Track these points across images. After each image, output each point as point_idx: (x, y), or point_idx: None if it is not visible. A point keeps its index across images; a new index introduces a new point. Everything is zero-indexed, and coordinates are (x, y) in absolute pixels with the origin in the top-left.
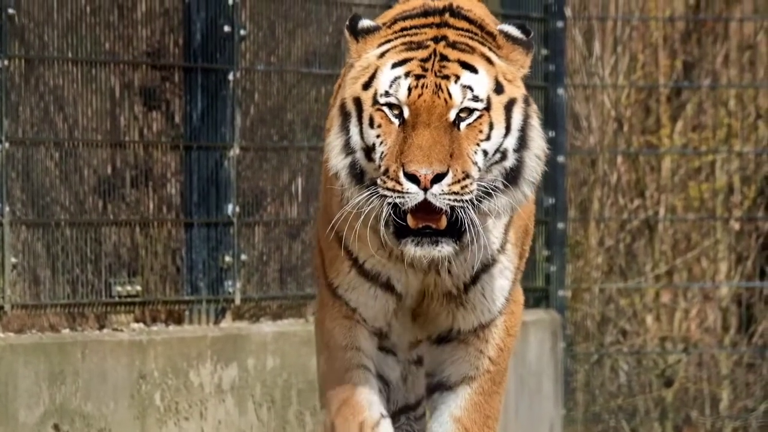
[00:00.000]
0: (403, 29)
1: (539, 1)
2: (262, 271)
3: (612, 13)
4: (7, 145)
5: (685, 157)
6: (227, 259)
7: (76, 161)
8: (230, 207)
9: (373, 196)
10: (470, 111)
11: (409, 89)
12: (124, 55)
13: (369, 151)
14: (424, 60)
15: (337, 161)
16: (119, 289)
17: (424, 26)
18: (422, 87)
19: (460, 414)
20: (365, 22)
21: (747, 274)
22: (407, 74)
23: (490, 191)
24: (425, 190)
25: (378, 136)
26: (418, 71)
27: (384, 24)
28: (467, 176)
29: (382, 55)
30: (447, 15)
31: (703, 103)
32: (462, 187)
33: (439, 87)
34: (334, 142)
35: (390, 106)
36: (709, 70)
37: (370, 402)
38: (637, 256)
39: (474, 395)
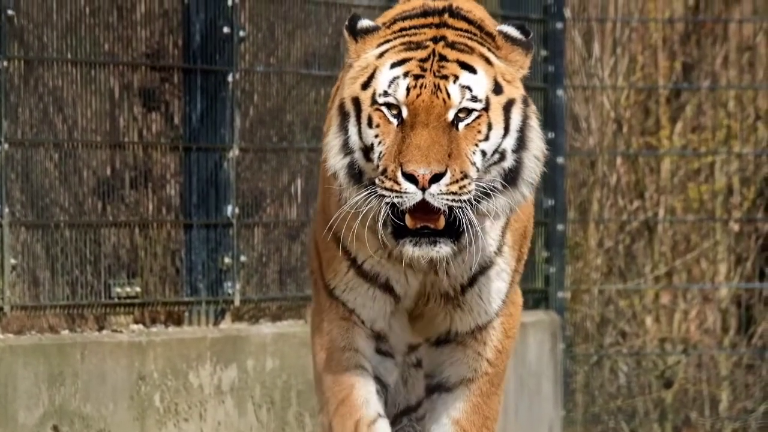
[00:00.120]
0: (402, 29)
1: (539, 3)
2: (261, 273)
3: (611, 15)
4: (6, 146)
5: (684, 159)
6: (227, 260)
7: (75, 162)
8: (230, 208)
9: (371, 196)
10: (469, 111)
11: (408, 89)
12: (124, 57)
13: (367, 151)
14: (423, 60)
15: (335, 161)
16: (119, 290)
17: (423, 26)
18: (421, 87)
19: (458, 416)
20: (364, 22)
21: (746, 275)
22: (406, 74)
23: (489, 192)
24: (423, 190)
25: (376, 136)
26: (417, 71)
27: (383, 24)
28: (465, 176)
29: (381, 55)
30: (446, 15)
31: (703, 105)
32: (460, 188)
33: (437, 87)
34: (332, 142)
35: (388, 105)
36: (708, 72)
37: (366, 400)
38: (636, 258)
39: (472, 397)
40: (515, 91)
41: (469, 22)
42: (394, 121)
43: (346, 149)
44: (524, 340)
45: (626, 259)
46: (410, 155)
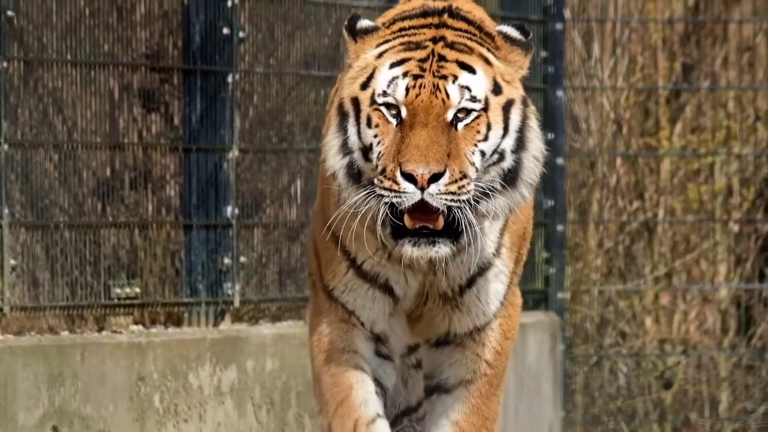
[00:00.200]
0: (401, 29)
1: (538, 3)
2: (261, 273)
3: (611, 15)
4: (6, 147)
5: (684, 159)
6: (226, 261)
7: (75, 163)
8: (229, 209)
9: (370, 195)
10: (468, 111)
11: (407, 89)
12: (123, 57)
13: (366, 151)
14: (422, 60)
15: (334, 161)
16: (118, 291)
17: (422, 27)
18: (420, 87)
19: (457, 417)
20: (364, 23)
21: (746, 276)
22: (405, 74)
23: (488, 192)
24: (422, 189)
25: (375, 136)
26: (416, 71)
27: (383, 24)
28: (464, 176)
29: (380, 55)
30: (446, 16)
31: (702, 105)
32: (459, 187)
33: (436, 87)
34: (331, 142)
35: (388, 105)
36: (708, 72)
37: (365, 400)
38: (636, 258)
39: (472, 398)
40: (514, 91)
41: (469, 22)
42: (393, 121)
43: (345, 149)
44: (524, 341)
45: (626, 260)
46: (409, 155)
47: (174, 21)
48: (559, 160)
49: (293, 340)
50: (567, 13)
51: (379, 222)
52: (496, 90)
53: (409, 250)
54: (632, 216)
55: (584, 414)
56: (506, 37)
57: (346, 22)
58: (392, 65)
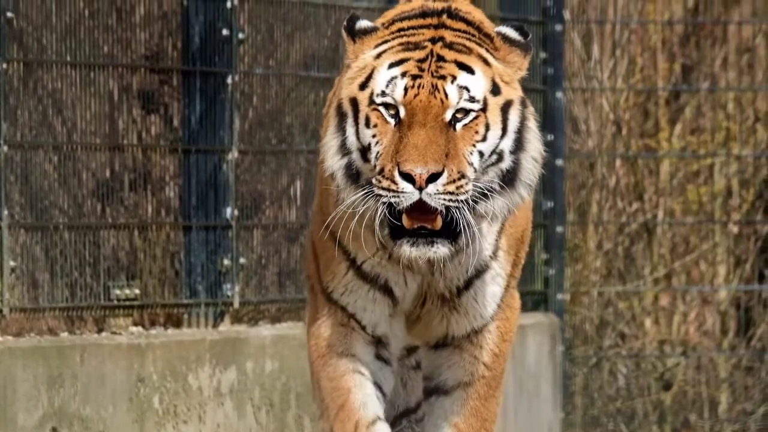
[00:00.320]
0: (400, 30)
1: (538, 4)
2: (260, 275)
3: (611, 17)
4: (5, 148)
5: (683, 161)
6: (226, 262)
7: (74, 164)
8: (229, 210)
9: (368, 195)
10: (466, 111)
11: (406, 89)
12: (123, 59)
13: (365, 151)
14: (421, 60)
15: (333, 162)
16: (118, 292)
17: (421, 27)
18: (419, 87)
19: (456, 419)
20: (362, 23)
21: (745, 277)
22: (404, 74)
23: (486, 193)
24: (420, 189)
25: (374, 136)
26: (415, 71)
27: (382, 25)
28: (462, 176)
29: (379, 55)
30: (445, 16)
31: (702, 107)
32: (457, 187)
33: (435, 87)
34: (330, 142)
35: (386, 106)
36: (707, 74)
37: (364, 403)
38: (635, 260)
39: (470, 400)
40: (513, 92)
41: (468, 23)
42: (392, 121)
43: (344, 150)
44: (523, 342)
45: (625, 261)
46: (407, 155)
47: (173, 22)
48: (559, 162)
49: (293, 341)
50: (566, 15)
51: (377, 222)
52: (495, 91)
53: (407, 250)
54: (632, 217)
55: (584, 415)
56: (505, 38)
57: (344, 23)
58: (391, 65)
